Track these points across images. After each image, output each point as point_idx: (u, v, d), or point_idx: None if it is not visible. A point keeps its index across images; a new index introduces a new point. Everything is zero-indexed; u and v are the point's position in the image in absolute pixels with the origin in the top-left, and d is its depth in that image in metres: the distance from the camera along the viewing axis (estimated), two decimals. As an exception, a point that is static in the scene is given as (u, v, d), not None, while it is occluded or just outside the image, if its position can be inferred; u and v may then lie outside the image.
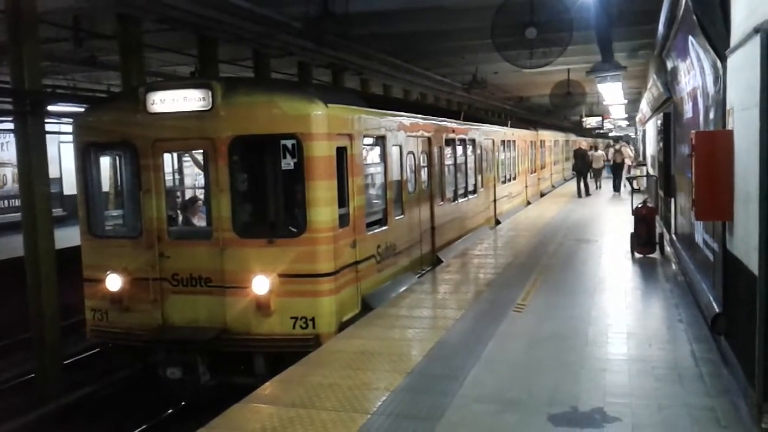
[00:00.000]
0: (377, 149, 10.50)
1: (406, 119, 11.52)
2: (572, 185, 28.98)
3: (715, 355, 6.87)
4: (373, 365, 6.85)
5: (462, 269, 12.30)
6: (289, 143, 8.01)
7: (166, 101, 8.35)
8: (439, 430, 5.27)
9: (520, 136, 24.63)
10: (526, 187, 25.30)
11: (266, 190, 8.74)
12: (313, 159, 8.03)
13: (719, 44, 6.13)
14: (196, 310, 8.29)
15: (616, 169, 27.95)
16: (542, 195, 27.84)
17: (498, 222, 18.85)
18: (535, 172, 27.33)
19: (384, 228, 10.22)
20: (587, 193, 26.34)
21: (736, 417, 5.39)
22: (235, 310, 8.11)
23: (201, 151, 9.10)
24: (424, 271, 11.93)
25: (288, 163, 8.10)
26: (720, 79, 6.37)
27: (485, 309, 9.06)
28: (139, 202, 8.59)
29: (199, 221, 9.61)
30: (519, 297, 9.63)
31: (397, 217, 10.82)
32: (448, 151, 14.31)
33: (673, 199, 12.12)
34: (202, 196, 9.53)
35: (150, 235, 8.47)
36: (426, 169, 12.58)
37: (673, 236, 11.79)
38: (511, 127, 23.19)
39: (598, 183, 29.77)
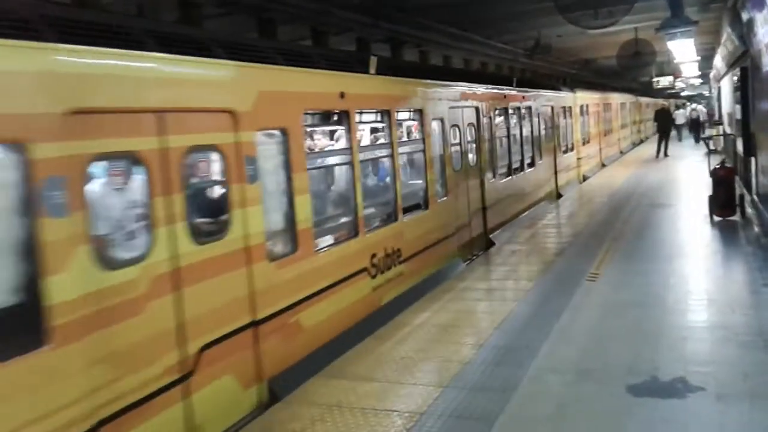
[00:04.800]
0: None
1: (445, 89, 10.65)
2: (643, 150, 31.07)
3: (804, 320, 6.54)
4: (444, 338, 6.81)
5: (529, 240, 12.09)
6: None
7: None
8: (514, 401, 5.21)
9: (589, 99, 23.01)
10: (588, 156, 23.03)
11: None
12: None
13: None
14: None
15: (695, 125, 34.30)
16: (603, 166, 25.33)
17: (560, 195, 17.77)
18: (600, 138, 25.47)
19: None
20: (665, 154, 26.68)
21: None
22: None
23: None
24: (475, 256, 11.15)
25: None
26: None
27: (557, 279, 8.89)
28: None
29: None
30: (592, 266, 9.40)
31: (440, 200, 10.08)
32: (499, 121, 13.39)
33: (753, 159, 11.54)
34: None
35: None
36: (474, 143, 11.74)
37: (755, 197, 11.23)
38: (572, 91, 21.58)
39: (680, 136, 35.50)
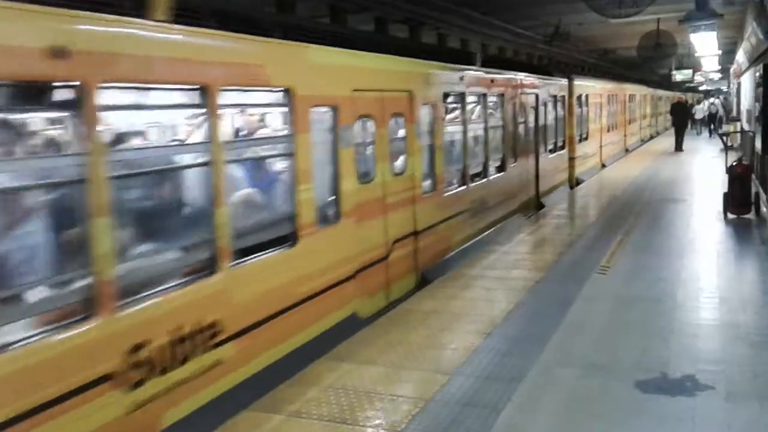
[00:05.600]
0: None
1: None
2: (653, 146, 30.39)
3: (817, 323, 6.46)
4: (452, 325, 6.78)
5: (539, 231, 12.01)
6: None
7: None
8: (521, 392, 5.17)
9: (590, 89, 20.23)
10: (584, 156, 19.66)
11: None
12: None
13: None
14: None
15: (711, 120, 35.33)
16: (603, 167, 22.18)
17: (542, 206, 14.55)
18: (601, 135, 22.25)
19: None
20: (680, 149, 26.54)
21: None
22: None
23: None
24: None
25: None
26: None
27: (567, 270, 8.83)
28: None
29: None
30: (603, 258, 9.33)
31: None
32: (453, 113, 10.68)
33: (772, 157, 11.38)
34: None
35: None
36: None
37: (771, 196, 11.10)
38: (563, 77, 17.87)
39: (699, 130, 36.34)
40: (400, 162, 8.57)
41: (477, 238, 10.82)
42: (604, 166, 22.34)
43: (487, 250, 10.24)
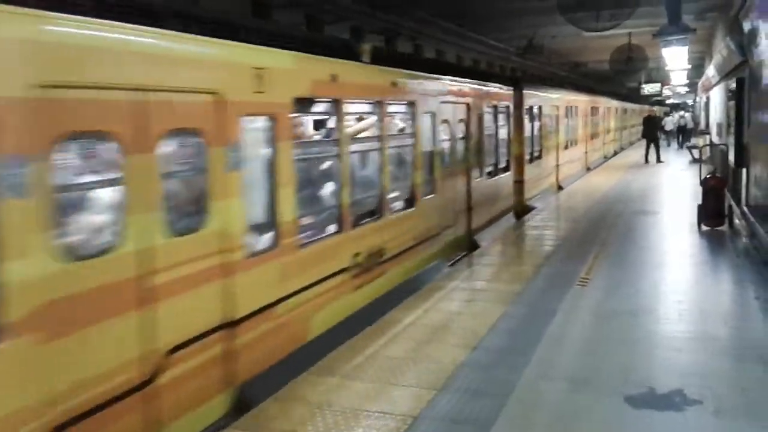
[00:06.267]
0: None
1: None
2: (622, 160, 30.14)
3: (798, 336, 6.49)
4: (437, 338, 6.68)
5: (517, 242, 11.99)
6: None
7: None
8: (510, 408, 5.08)
9: (542, 100, 17.70)
10: (534, 179, 16.95)
11: None
12: None
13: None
14: None
15: (681, 132, 37.37)
16: (560, 188, 19.81)
17: (475, 246, 11.81)
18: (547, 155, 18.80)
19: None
20: (658, 160, 26.87)
21: (828, 403, 5.05)
22: None
23: None
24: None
25: None
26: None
27: (547, 283, 8.79)
28: None
29: None
30: (582, 270, 9.32)
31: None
32: (326, 131, 8.22)
33: (745, 170, 11.54)
34: None
35: None
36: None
37: (745, 209, 11.23)
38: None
39: (669, 142, 37.78)
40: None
41: (367, 303, 7.90)
42: (560, 188, 19.81)
43: (467, 263, 10.16)
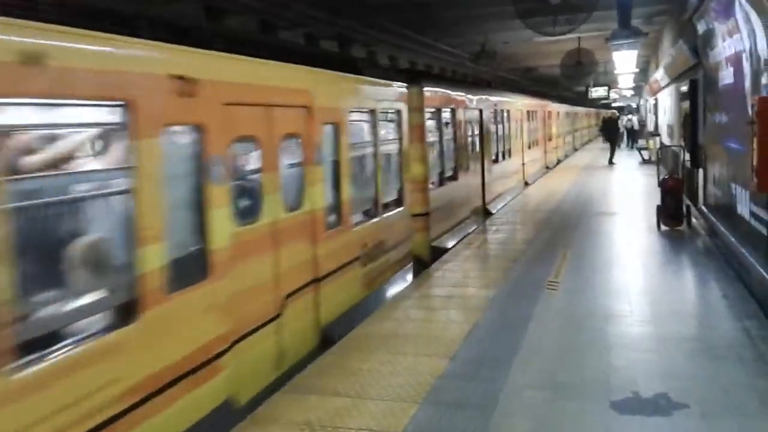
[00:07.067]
0: None
1: None
2: (572, 162, 30.89)
3: (770, 333, 6.54)
4: (413, 349, 6.50)
5: (482, 246, 11.94)
6: None
7: None
8: (495, 419, 4.93)
9: (453, 101, 13.41)
10: (441, 209, 12.09)
11: None
12: None
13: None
14: None
15: (630, 134, 39.15)
16: (487, 211, 15.83)
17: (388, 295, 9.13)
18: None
19: None
20: (611, 162, 27.73)
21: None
22: None
23: None
24: None
25: None
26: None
27: (517, 288, 8.71)
28: None
29: None
30: (550, 274, 9.29)
31: None
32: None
33: (701, 170, 11.73)
34: None
35: None
36: None
37: (703, 208, 11.42)
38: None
39: (620, 144, 36.78)
40: None
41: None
42: (487, 211, 15.87)
43: (434, 268, 10.02)
